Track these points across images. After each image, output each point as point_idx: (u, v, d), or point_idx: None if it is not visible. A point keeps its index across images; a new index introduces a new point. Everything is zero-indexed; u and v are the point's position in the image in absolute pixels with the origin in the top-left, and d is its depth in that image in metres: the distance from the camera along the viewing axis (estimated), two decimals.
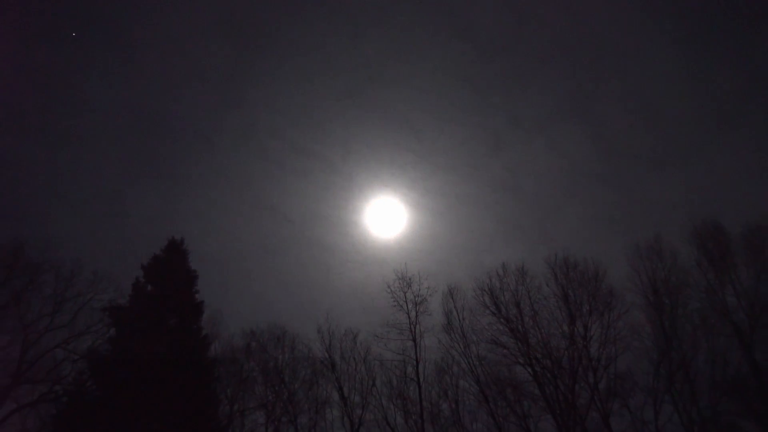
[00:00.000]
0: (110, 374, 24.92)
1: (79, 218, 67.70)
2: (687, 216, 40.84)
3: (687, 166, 72.98)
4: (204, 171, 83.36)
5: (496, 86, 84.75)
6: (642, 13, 73.11)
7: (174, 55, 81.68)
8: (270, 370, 38.30)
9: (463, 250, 73.47)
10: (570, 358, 35.70)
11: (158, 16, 75.68)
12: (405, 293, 38.96)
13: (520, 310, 37.60)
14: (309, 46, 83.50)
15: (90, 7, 73.59)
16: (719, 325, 35.45)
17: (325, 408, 37.73)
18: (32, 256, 33.76)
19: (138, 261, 28.28)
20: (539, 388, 35.11)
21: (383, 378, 38.15)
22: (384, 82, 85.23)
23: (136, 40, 78.73)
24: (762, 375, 33.09)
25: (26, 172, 70.44)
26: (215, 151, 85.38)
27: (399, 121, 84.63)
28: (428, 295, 38.88)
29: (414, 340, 37.89)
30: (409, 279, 39.32)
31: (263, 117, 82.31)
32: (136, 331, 26.52)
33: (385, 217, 71.54)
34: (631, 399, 35.11)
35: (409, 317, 38.38)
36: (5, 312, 32.20)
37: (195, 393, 26.42)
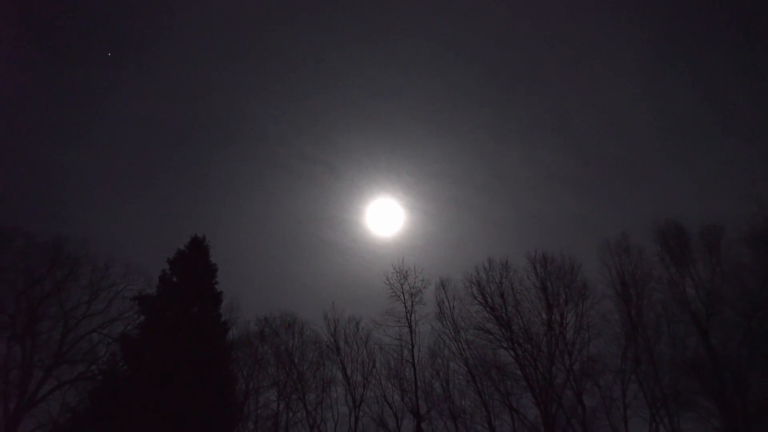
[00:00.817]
0: (140, 356, 24.60)
1: (113, 217, 67.77)
2: (651, 217, 40.92)
3: (651, 173, 73.22)
4: (221, 175, 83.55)
5: (482, 102, 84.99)
6: (613, 38, 73.54)
7: (196, 72, 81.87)
8: (281, 353, 38.43)
9: (453, 246, 73.67)
10: (548, 343, 35.93)
11: (181, 37, 75.99)
12: (402, 285, 39.19)
13: (504, 299, 37.73)
14: (315, 63, 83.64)
15: (122, 32, 73.85)
16: (679, 314, 35.46)
17: (330, 386, 37.93)
18: (72, 250, 33.96)
19: (165, 255, 28.04)
20: (521, 369, 35.34)
21: (382, 360, 38.38)
22: (383, 97, 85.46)
23: (162, 58, 78.97)
24: (717, 357, 33.12)
25: (67, 177, 70.83)
26: (230, 157, 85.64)
27: (395, 132, 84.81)
28: (422, 287, 39.14)
29: (410, 327, 38.06)
30: (406, 272, 39.59)
31: (273, 127, 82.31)
32: (163, 317, 26.26)
33: (384, 217, 71.45)
34: (601, 379, 35.24)
35: (405, 306, 38.59)
36: (48, 300, 32.47)
37: (215, 373, 26.05)
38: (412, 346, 37.48)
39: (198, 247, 29.33)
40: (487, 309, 37.69)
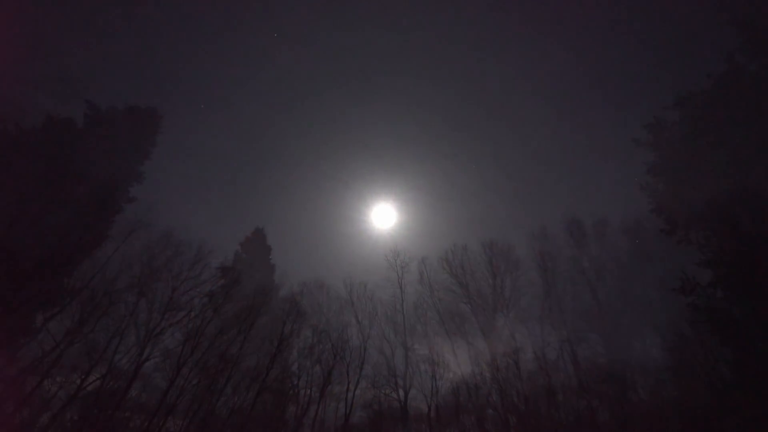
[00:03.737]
0: (221, 307, 26.10)
1: (205, 213, 69.85)
2: (561, 215, 42.40)
3: (558, 186, 76.09)
4: (273, 188, 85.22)
5: (444, 139, 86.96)
6: (527, 100, 76.76)
7: (256, 118, 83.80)
8: (315, 305, 38.54)
9: (429, 236, 75.54)
10: (493, 299, 36.72)
11: (251, 97, 78.07)
12: (396, 260, 40.18)
13: (463, 270, 38.59)
14: (336, 113, 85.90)
15: (208, 90, 75.87)
16: (578, 279, 36.31)
17: (347, 328, 37.43)
18: (177, 236, 33.92)
19: (237, 239, 28.70)
20: (474, 316, 36.26)
21: (382, 310, 38.38)
22: (380, 133, 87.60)
23: (236, 109, 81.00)
24: (601, 307, 34.19)
25: (175, 187, 72.57)
26: (279, 175, 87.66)
27: (389, 160, 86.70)
28: (409, 262, 40.32)
29: (400, 288, 38.98)
30: (398, 252, 40.72)
31: (307, 156, 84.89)
32: (236, 282, 27.76)
33: (382, 216, 73.73)
34: (528, 323, 35.58)
35: (397, 275, 39.48)
36: (162, 268, 33.34)
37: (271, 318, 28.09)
38: (402, 302, 38.26)
39: (259, 234, 30.16)
40: (453, 276, 38.56)
